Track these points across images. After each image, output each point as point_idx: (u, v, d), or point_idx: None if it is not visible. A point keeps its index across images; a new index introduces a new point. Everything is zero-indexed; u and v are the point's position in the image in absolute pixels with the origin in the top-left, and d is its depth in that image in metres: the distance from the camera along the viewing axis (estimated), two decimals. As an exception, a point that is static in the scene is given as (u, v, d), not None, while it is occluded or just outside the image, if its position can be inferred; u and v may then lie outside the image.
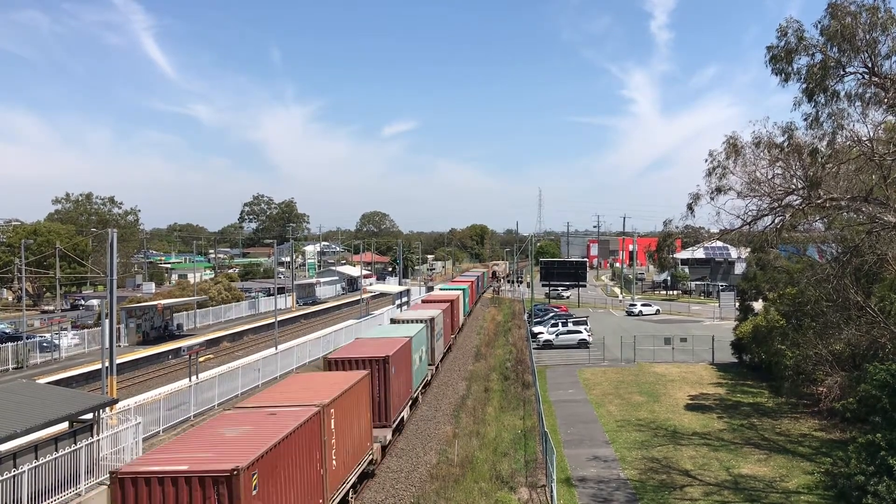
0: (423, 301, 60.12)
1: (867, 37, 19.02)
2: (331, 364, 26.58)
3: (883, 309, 26.13)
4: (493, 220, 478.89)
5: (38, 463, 17.51)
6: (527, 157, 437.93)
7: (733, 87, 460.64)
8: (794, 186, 22.22)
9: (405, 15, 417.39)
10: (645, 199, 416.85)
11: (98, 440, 20.39)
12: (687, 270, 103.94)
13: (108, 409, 23.81)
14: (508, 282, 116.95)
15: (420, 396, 34.30)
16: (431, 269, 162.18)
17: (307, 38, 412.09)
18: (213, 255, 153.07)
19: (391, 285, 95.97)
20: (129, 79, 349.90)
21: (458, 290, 65.83)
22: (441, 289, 73.43)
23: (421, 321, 39.59)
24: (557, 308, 72.88)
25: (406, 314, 46.80)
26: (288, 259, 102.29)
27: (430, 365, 38.96)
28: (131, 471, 13.47)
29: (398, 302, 64.94)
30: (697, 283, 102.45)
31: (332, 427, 18.79)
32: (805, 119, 20.82)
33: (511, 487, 21.52)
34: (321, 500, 17.51)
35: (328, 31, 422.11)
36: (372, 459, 23.17)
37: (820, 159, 20.33)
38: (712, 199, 22.64)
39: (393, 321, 44.18)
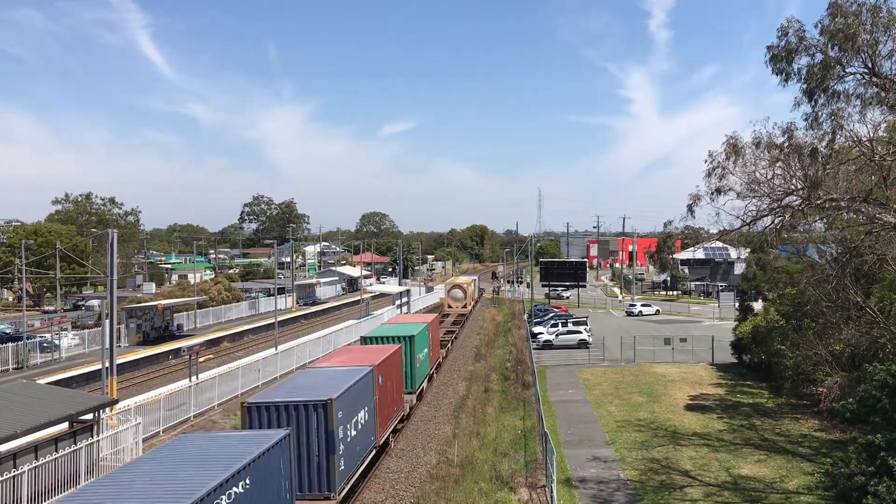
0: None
1: (868, 37, 19.01)
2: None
3: (883, 309, 26.14)
4: (493, 220, 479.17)
5: (38, 463, 17.53)
6: (526, 157, 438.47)
7: (733, 86, 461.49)
8: (793, 187, 22.18)
9: (403, 14, 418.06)
10: (645, 199, 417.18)
11: (98, 440, 20.41)
12: (687, 271, 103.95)
13: (108, 409, 23.83)
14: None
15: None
16: (431, 270, 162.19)
17: (304, 38, 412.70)
18: (213, 256, 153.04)
19: (391, 286, 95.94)
20: (126, 78, 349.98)
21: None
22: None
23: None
24: (557, 308, 72.88)
25: None
26: (288, 259, 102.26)
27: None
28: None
29: (398, 302, 64.89)
30: (697, 283, 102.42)
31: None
32: (805, 119, 20.83)
33: (511, 488, 21.50)
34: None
35: (326, 31, 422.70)
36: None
37: (820, 159, 20.32)
38: (712, 199, 22.60)
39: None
